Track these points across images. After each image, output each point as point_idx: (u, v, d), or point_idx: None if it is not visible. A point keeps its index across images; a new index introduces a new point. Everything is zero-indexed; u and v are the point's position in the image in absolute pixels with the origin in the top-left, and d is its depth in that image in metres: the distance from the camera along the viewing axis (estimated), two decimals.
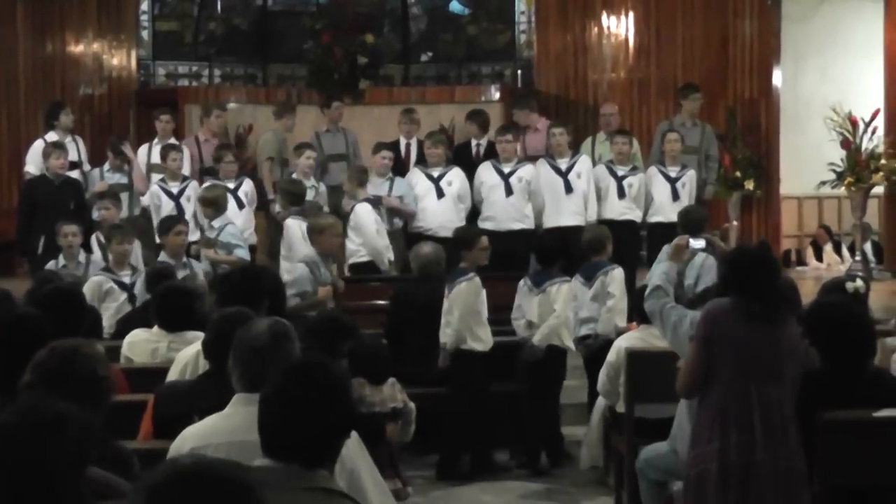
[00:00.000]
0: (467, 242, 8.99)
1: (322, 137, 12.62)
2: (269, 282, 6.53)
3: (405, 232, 11.53)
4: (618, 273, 9.09)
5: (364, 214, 10.74)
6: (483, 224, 11.54)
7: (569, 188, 11.47)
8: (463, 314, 8.63)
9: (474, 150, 12.51)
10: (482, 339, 8.70)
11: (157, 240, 10.23)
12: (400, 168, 12.00)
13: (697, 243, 6.07)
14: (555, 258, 9.16)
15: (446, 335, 8.68)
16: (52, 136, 12.24)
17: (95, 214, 11.41)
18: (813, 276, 14.64)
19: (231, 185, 11.40)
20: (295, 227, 10.41)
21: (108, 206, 10.84)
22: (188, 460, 2.38)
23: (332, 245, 9.33)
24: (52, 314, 6.13)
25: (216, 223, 10.48)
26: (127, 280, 9.41)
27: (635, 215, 11.55)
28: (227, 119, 13.81)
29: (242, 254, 10.33)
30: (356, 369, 6.85)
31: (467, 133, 12.91)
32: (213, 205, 10.54)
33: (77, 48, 15.02)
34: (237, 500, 2.36)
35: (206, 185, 11.33)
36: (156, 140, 12.42)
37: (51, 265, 9.93)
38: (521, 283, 9.11)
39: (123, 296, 9.26)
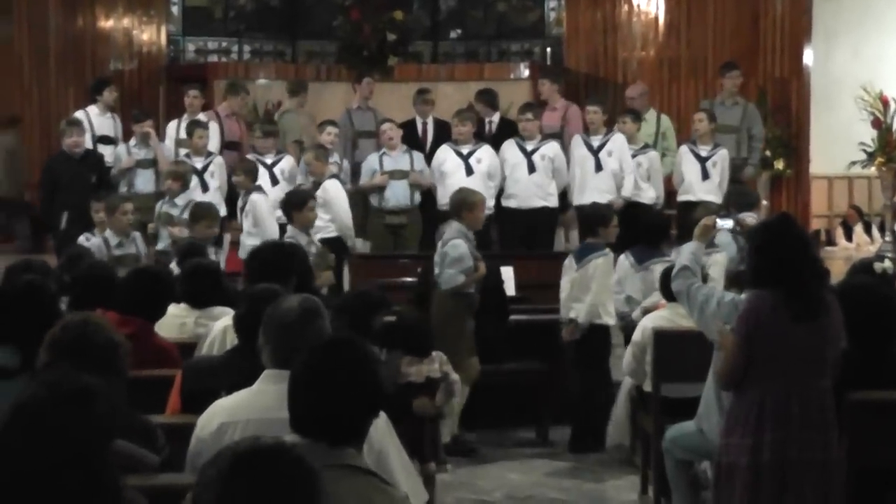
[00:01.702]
0: (603, 219, 9.03)
1: (353, 115, 12.65)
2: (300, 259, 6.55)
3: (428, 208, 11.52)
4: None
5: (335, 191, 10.74)
6: (506, 202, 11.58)
7: (599, 166, 11.47)
8: (599, 289, 8.68)
9: (486, 127, 12.49)
10: (611, 314, 8.75)
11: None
12: (416, 147, 12.00)
13: (725, 223, 6.04)
14: (661, 236, 9.17)
15: (577, 310, 8.71)
16: (93, 110, 12.40)
17: (123, 189, 11.47)
18: (843, 256, 14.55)
19: (268, 161, 11.44)
20: (262, 202, 10.46)
21: (174, 181, 10.83)
22: (248, 444, 2.43)
23: None
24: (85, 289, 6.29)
25: (179, 200, 10.56)
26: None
27: (648, 195, 11.58)
28: (257, 95, 13.87)
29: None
30: (398, 344, 6.87)
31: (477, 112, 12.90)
32: (180, 180, 10.62)
33: (107, 23, 15.06)
34: (298, 480, 2.41)
35: (174, 160, 11.43)
36: (185, 116, 12.47)
37: (81, 240, 9.95)
38: (622, 258, 9.05)
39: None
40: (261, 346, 4.14)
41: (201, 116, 12.39)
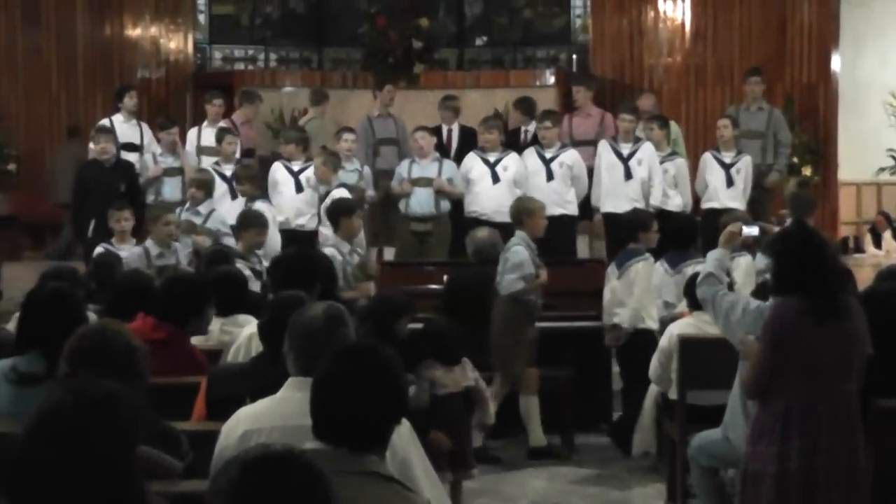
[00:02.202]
0: (644, 224, 9.09)
1: (374, 122, 12.67)
2: (323, 266, 6.57)
3: (458, 217, 11.51)
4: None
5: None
6: None
7: (628, 174, 11.45)
8: (641, 293, 8.72)
9: (522, 136, 12.50)
10: (654, 317, 8.75)
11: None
12: (442, 154, 12.01)
13: (751, 230, 6.04)
14: (690, 238, 9.20)
15: (621, 315, 8.76)
16: (118, 118, 12.42)
17: (150, 198, 11.50)
18: (871, 263, 14.47)
19: (296, 168, 11.45)
20: (267, 210, 10.44)
21: (198, 189, 10.79)
22: (257, 451, 2.44)
23: None
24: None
25: (202, 208, 10.55)
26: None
27: (675, 202, 11.54)
28: (283, 102, 13.92)
29: (230, 242, 10.05)
30: (428, 353, 6.87)
31: (514, 120, 12.91)
32: (204, 188, 10.61)
33: (135, 31, 15.15)
34: (308, 486, 2.42)
35: (197, 168, 11.44)
36: (205, 123, 12.51)
37: (124, 253, 9.85)
38: (657, 265, 9.05)
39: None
40: (285, 353, 4.14)
41: (221, 124, 12.43)
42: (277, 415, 3.94)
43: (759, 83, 12.88)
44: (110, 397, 2.79)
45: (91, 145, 11.57)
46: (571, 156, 11.52)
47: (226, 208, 10.80)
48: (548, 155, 11.48)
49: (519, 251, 8.77)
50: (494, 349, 8.58)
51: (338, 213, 9.13)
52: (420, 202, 11.41)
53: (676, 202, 11.56)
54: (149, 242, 9.72)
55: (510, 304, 8.70)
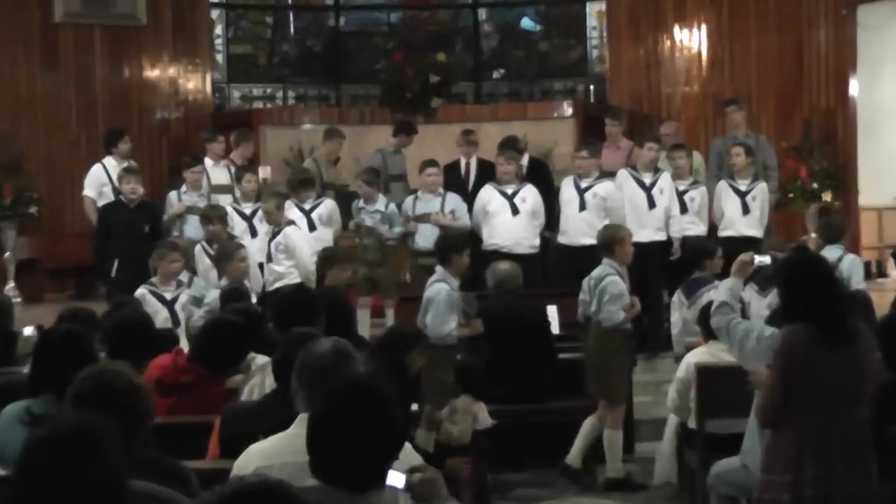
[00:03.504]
0: (709, 252, 9.29)
1: (387, 157, 12.72)
2: (331, 301, 6.58)
3: (477, 249, 11.52)
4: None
5: (296, 236, 10.74)
6: (559, 238, 11.57)
7: (651, 203, 11.44)
8: None
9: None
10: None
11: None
12: (462, 186, 12.05)
13: (763, 260, 6.04)
14: (702, 255, 9.37)
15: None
16: (109, 162, 12.31)
17: (191, 233, 11.47)
18: (893, 287, 14.40)
19: (307, 206, 11.47)
20: (296, 233, 10.70)
21: (216, 222, 10.81)
22: (231, 486, 2.44)
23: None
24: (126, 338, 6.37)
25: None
26: (169, 296, 9.61)
27: (699, 230, 11.49)
28: (302, 140, 13.99)
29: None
30: (465, 386, 6.90)
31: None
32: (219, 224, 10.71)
33: (153, 73, 15.25)
34: None
35: (209, 205, 11.46)
36: (212, 163, 12.53)
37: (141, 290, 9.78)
38: (675, 296, 9.15)
39: (165, 311, 9.42)
40: (294, 390, 4.15)
41: (220, 164, 12.52)
42: (289, 451, 3.94)
43: (736, 110, 12.95)
44: (84, 430, 2.80)
45: (123, 185, 11.41)
46: (606, 187, 11.45)
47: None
48: (583, 185, 11.46)
49: (617, 281, 8.80)
50: (597, 378, 8.70)
51: (448, 250, 9.05)
52: (426, 237, 11.44)
53: (701, 229, 11.52)
54: (224, 281, 9.65)
55: (610, 334, 8.73)
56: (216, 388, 6.01)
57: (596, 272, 8.93)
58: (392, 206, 11.85)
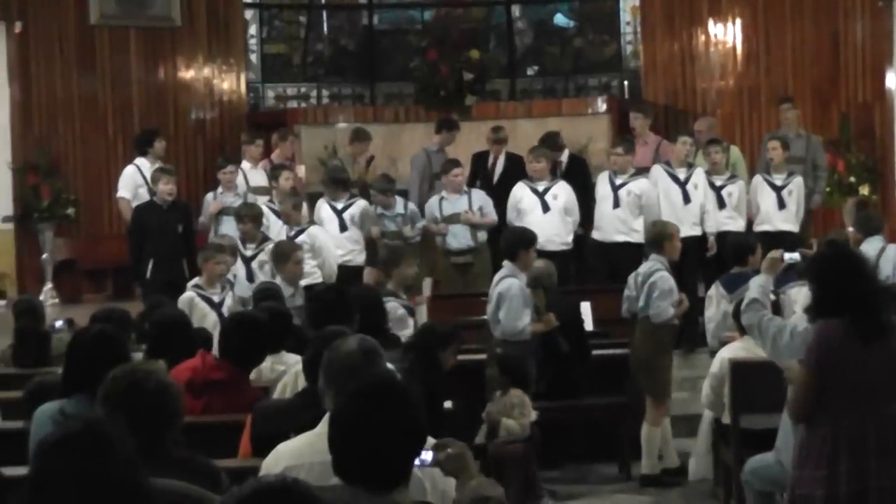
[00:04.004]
0: (751, 248, 9.26)
1: (432, 156, 12.71)
2: (367, 301, 6.59)
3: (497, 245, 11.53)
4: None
5: (322, 236, 10.75)
6: (593, 235, 11.55)
7: (686, 198, 11.38)
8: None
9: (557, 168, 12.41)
10: None
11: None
12: (487, 178, 12.08)
13: (793, 256, 6.01)
14: (745, 252, 9.27)
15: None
16: (143, 163, 12.33)
17: (223, 229, 11.50)
18: None
19: (339, 206, 11.48)
20: (321, 232, 10.77)
21: (247, 221, 10.75)
22: (250, 486, 2.45)
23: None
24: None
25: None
26: (216, 298, 9.55)
27: (738, 225, 11.41)
28: (336, 139, 14.02)
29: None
30: (512, 380, 6.94)
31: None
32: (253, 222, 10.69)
33: (188, 74, 15.31)
34: None
35: (245, 203, 11.44)
36: (248, 165, 12.55)
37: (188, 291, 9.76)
38: (712, 289, 9.15)
39: (213, 315, 9.36)
40: (321, 388, 4.16)
41: (258, 166, 12.55)
42: (317, 450, 3.94)
43: (789, 108, 12.85)
44: (92, 430, 2.81)
45: (159, 185, 11.43)
46: (641, 185, 11.40)
47: None
48: (618, 182, 11.41)
49: (666, 277, 8.81)
50: (645, 374, 8.71)
51: (516, 246, 9.02)
52: (456, 237, 11.49)
53: (740, 224, 11.45)
54: (279, 279, 9.67)
55: (659, 330, 8.73)
56: (247, 386, 6.04)
57: (643, 268, 8.91)
58: (412, 206, 11.86)
